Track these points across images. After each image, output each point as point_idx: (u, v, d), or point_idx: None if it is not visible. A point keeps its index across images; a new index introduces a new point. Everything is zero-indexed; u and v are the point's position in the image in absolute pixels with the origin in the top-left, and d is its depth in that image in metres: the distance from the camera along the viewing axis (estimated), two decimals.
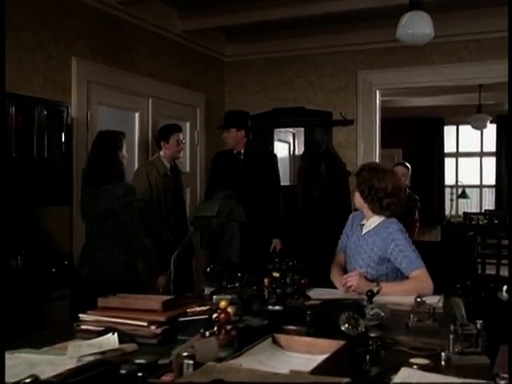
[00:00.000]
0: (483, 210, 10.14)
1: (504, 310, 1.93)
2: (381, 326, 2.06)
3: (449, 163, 10.98)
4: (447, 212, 10.82)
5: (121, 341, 1.88)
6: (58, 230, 4.20)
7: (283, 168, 6.60)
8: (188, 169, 5.77)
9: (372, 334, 1.74)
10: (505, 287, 1.96)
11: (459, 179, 10.94)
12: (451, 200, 10.82)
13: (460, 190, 10.65)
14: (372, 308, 2.13)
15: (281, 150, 7.61)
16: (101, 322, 2.06)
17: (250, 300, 2.22)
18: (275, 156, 4.82)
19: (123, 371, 1.55)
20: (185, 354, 1.49)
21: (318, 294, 2.71)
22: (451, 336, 1.76)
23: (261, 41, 6.19)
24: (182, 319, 2.03)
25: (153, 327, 2.02)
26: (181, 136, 4.56)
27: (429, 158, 10.66)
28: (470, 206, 10.84)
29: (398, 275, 2.84)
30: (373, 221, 2.93)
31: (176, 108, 5.59)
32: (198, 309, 2.12)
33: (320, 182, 5.89)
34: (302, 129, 6.37)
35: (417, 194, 5.19)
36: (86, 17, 4.50)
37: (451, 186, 10.91)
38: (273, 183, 4.60)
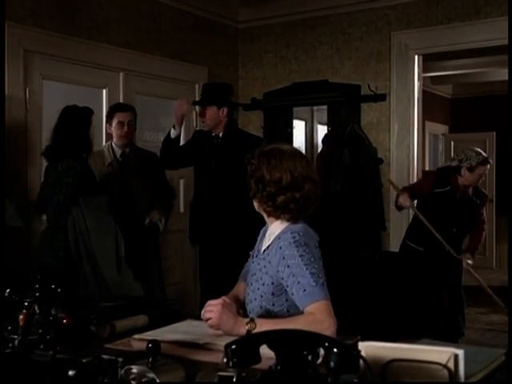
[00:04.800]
0: None
1: None
2: None
3: None
4: None
5: None
6: None
7: None
8: None
9: None
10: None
11: None
12: None
13: None
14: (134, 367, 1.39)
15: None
16: None
17: None
18: (262, 142, 4.05)
19: None
20: None
21: (166, 332, 1.97)
22: None
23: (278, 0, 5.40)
24: None
25: None
26: (126, 116, 3.94)
27: None
28: None
29: None
30: (273, 230, 2.11)
31: (163, 84, 4.96)
32: None
33: (343, 171, 5.02)
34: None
35: None
36: None
37: None
38: None
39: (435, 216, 4.21)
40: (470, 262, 4.35)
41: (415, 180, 4.93)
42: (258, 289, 2.07)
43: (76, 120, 3.52)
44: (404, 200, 4.15)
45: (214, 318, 1.91)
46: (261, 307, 2.04)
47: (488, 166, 4.28)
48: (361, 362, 1.19)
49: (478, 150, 4.31)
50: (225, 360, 1.29)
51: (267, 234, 2.14)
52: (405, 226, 4.91)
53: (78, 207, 3.32)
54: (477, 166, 4.19)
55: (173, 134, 3.95)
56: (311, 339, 1.16)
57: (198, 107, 4.30)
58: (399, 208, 4.35)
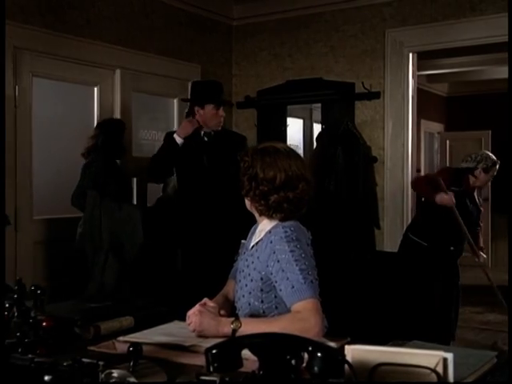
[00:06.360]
0: None
1: None
2: None
3: None
4: None
5: None
6: None
7: None
8: None
9: None
10: None
11: None
12: None
13: None
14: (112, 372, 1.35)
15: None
16: None
17: None
18: (245, 140, 4.02)
19: None
20: None
21: (152, 334, 1.92)
22: None
23: None
24: None
25: None
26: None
27: None
28: None
29: None
30: (263, 227, 2.07)
31: (155, 82, 4.91)
32: None
33: (336, 169, 4.98)
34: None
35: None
36: None
37: None
38: None
39: (447, 214, 4.15)
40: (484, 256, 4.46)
41: (410, 179, 4.90)
42: (246, 285, 2.03)
43: (112, 129, 4.06)
44: (448, 199, 4.05)
45: (195, 326, 1.87)
46: (249, 304, 2.00)
47: (497, 166, 4.30)
48: (346, 366, 1.15)
49: (488, 152, 4.39)
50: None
51: (257, 231, 2.10)
52: (400, 224, 4.88)
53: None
54: (491, 168, 4.24)
55: (179, 141, 3.82)
56: (294, 343, 1.12)
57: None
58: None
